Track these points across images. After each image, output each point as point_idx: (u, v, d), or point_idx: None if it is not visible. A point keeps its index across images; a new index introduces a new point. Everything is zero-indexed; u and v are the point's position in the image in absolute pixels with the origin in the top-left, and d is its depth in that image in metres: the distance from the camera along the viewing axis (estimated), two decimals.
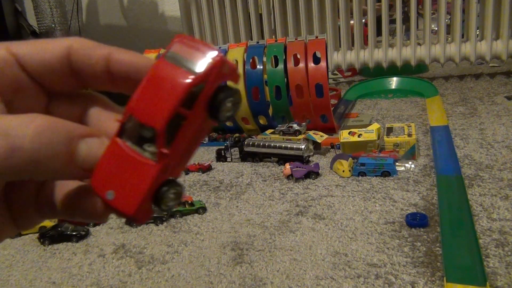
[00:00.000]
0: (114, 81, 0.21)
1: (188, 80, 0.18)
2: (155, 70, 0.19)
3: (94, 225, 0.97)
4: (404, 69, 2.15)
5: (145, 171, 0.19)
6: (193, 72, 0.18)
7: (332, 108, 1.48)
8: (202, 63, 0.18)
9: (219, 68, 0.19)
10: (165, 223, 0.95)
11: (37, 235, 0.94)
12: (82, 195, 0.21)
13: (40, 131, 0.18)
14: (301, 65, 1.42)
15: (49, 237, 0.92)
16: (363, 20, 2.16)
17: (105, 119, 0.22)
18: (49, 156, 0.18)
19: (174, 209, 0.98)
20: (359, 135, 1.22)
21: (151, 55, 1.61)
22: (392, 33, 2.19)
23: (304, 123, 1.36)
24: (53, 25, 2.60)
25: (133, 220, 0.20)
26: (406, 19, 2.30)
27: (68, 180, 0.22)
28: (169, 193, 0.19)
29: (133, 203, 0.19)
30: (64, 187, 0.22)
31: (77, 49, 0.21)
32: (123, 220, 0.98)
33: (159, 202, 0.19)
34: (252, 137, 1.37)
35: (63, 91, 0.23)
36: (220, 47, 1.57)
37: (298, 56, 1.44)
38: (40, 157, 0.18)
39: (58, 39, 0.21)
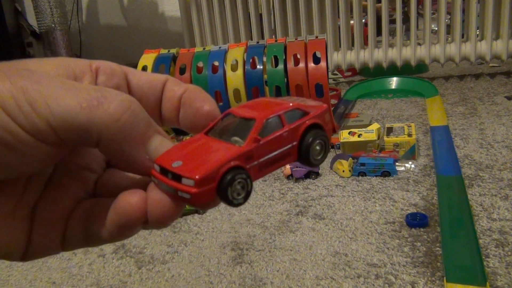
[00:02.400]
0: None
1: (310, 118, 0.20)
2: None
3: None
4: (404, 69, 2.15)
5: (227, 150, 0.18)
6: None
7: (332, 108, 1.48)
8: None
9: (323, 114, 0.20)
10: None
11: None
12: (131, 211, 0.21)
13: (134, 110, 0.20)
14: (301, 65, 1.42)
15: None
16: (363, 20, 2.16)
17: None
18: (128, 136, 0.20)
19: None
20: (359, 135, 1.22)
21: (152, 55, 1.61)
22: (392, 33, 2.19)
23: None
24: (53, 25, 2.60)
25: (194, 197, 0.18)
26: (406, 19, 2.30)
27: (129, 169, 0.22)
28: (238, 177, 0.18)
29: (201, 170, 0.18)
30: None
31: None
32: None
33: (226, 188, 0.18)
34: None
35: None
36: (220, 47, 1.57)
37: (298, 56, 1.44)
38: (127, 129, 0.20)
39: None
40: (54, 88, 0.19)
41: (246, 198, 0.19)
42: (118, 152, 0.20)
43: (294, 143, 0.19)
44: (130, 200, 0.20)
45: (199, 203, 0.18)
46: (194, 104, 0.23)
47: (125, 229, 0.21)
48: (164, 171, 0.20)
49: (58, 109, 0.19)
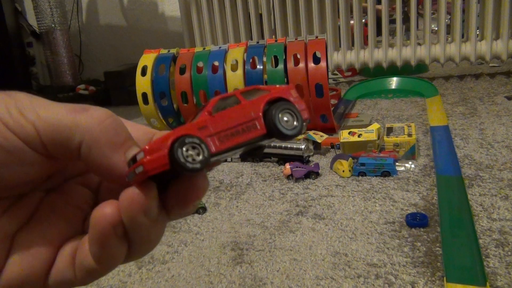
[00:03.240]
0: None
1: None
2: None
3: None
4: (404, 69, 2.15)
5: (181, 128, 0.19)
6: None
7: (332, 108, 1.48)
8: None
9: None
10: None
11: None
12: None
13: (116, 119, 0.22)
14: (301, 65, 1.42)
15: None
16: (363, 20, 2.16)
17: None
18: (109, 140, 0.21)
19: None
20: (359, 135, 1.22)
21: (152, 55, 1.61)
22: (392, 33, 2.19)
23: (304, 123, 1.36)
24: (53, 25, 2.60)
25: (146, 165, 0.19)
26: (406, 19, 2.30)
27: (108, 174, 0.22)
28: (188, 141, 0.19)
29: (152, 143, 0.19)
30: None
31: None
32: None
33: (176, 151, 0.19)
34: None
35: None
36: (220, 47, 1.57)
37: (298, 56, 1.44)
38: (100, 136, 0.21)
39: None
40: (44, 101, 0.21)
41: (203, 163, 0.19)
42: (99, 156, 0.21)
43: (255, 114, 0.19)
44: (104, 211, 0.20)
45: (152, 170, 0.19)
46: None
47: (105, 244, 0.20)
48: (129, 163, 0.20)
49: (45, 114, 0.20)
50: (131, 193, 0.20)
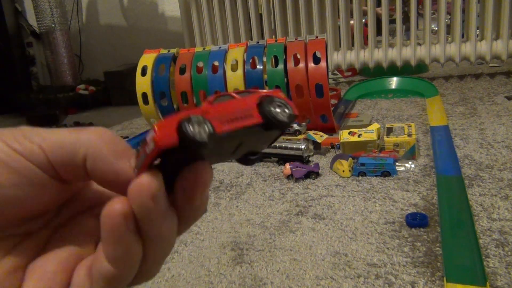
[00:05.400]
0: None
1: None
2: None
3: None
4: (404, 69, 2.15)
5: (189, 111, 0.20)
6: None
7: (332, 108, 1.48)
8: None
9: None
10: None
11: None
12: None
13: (113, 133, 0.23)
14: (301, 65, 1.42)
15: None
16: (363, 20, 2.16)
17: None
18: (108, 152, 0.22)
19: None
20: (359, 135, 1.22)
21: (152, 55, 1.61)
22: (392, 33, 2.19)
23: (304, 123, 1.36)
24: (53, 25, 2.60)
25: (157, 141, 0.20)
26: (406, 19, 2.30)
27: (118, 181, 0.22)
28: (194, 118, 0.20)
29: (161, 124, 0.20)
30: None
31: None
32: None
33: (183, 123, 0.20)
34: None
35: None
36: (220, 47, 1.57)
37: (298, 56, 1.44)
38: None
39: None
40: (47, 129, 0.22)
41: (210, 137, 0.20)
42: (105, 165, 0.22)
43: (250, 106, 0.21)
44: (113, 205, 0.20)
45: (163, 145, 0.19)
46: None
47: (119, 241, 0.21)
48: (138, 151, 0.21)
49: (49, 136, 0.22)
50: (139, 180, 0.20)
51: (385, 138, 1.19)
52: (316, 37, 1.50)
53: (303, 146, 1.20)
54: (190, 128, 0.19)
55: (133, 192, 0.20)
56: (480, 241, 0.74)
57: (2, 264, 0.22)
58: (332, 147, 1.31)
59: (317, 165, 1.13)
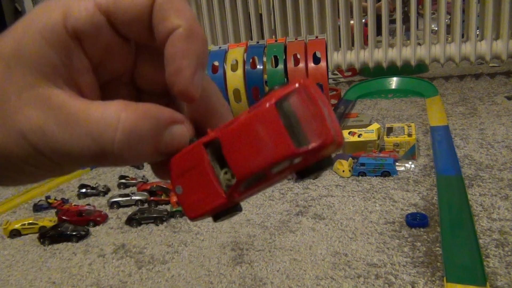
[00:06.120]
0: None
1: (291, 152, 0.17)
2: (263, 116, 0.18)
3: (94, 225, 0.97)
4: (404, 69, 2.15)
5: (214, 196, 0.20)
6: (299, 144, 0.17)
7: (332, 108, 1.48)
8: (312, 137, 0.17)
9: (326, 148, 0.18)
10: (165, 223, 0.95)
11: (37, 235, 0.94)
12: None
13: (128, 133, 0.18)
14: (301, 65, 1.42)
15: (49, 237, 0.92)
16: (363, 20, 2.16)
17: None
18: (136, 155, 0.19)
19: (174, 209, 0.98)
20: (359, 135, 1.22)
21: None
22: (392, 33, 2.19)
23: None
24: None
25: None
26: (406, 19, 2.30)
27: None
28: (227, 216, 0.21)
29: (194, 212, 0.21)
30: None
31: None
32: (123, 220, 0.98)
33: (217, 219, 0.21)
34: None
35: (147, 45, 0.21)
36: (220, 47, 1.57)
37: (298, 56, 1.44)
38: (127, 157, 0.19)
39: None
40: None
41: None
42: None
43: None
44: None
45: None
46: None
47: None
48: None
49: None
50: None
51: (385, 138, 1.19)
52: (316, 37, 1.50)
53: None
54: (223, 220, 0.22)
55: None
56: (480, 241, 0.74)
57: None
58: None
59: None
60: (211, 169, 0.20)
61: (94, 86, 0.20)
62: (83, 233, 0.93)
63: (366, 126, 1.30)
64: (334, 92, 1.88)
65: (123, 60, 0.21)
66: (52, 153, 0.18)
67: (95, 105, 0.18)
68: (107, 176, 1.31)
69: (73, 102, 0.18)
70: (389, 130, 1.24)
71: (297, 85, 0.17)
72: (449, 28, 2.13)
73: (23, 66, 0.18)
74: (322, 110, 0.17)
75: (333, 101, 1.79)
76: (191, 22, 0.19)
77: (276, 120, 0.17)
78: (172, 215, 0.97)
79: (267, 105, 0.17)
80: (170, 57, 0.19)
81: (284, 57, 1.45)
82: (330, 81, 2.31)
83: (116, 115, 0.18)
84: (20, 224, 0.97)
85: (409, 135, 1.17)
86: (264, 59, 1.47)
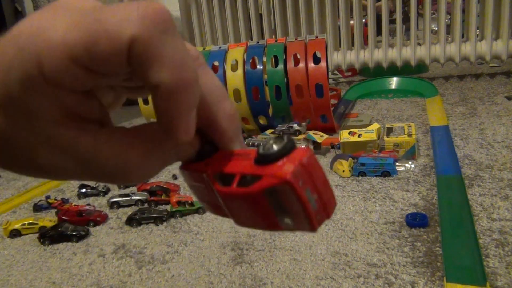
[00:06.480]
0: None
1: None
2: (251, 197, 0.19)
3: (94, 225, 0.97)
4: (404, 69, 2.15)
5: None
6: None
7: (332, 108, 1.48)
8: (297, 224, 0.19)
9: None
10: (165, 223, 0.95)
11: (37, 235, 0.94)
12: None
13: (140, 170, 0.20)
14: (301, 65, 1.42)
15: (49, 237, 0.92)
16: (363, 20, 2.16)
17: None
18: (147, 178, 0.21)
19: (174, 209, 0.98)
20: (359, 135, 1.22)
21: None
22: (392, 33, 2.19)
23: (304, 123, 1.36)
24: None
25: None
26: (406, 19, 2.30)
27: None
28: None
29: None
30: None
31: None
32: (123, 220, 0.98)
33: None
34: (252, 137, 1.37)
35: None
36: (220, 47, 1.57)
37: (298, 56, 1.44)
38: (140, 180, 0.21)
39: None
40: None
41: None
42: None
43: None
44: None
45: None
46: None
47: None
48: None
49: None
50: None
51: (385, 138, 1.19)
52: (316, 37, 1.50)
53: (303, 146, 1.19)
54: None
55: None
56: (480, 241, 0.74)
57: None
58: (332, 147, 1.31)
59: None
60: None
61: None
62: (83, 233, 0.93)
63: (366, 126, 1.30)
64: (334, 92, 1.88)
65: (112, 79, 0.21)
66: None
67: (105, 147, 0.19)
68: None
69: (83, 141, 0.19)
70: (389, 130, 1.24)
71: (288, 176, 0.17)
72: (449, 28, 2.13)
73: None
74: (308, 204, 0.18)
75: (333, 101, 1.79)
76: (174, 71, 0.17)
77: (265, 201, 0.18)
78: (172, 215, 0.97)
79: (260, 190, 0.18)
80: (159, 109, 0.18)
81: (284, 57, 1.45)
82: (330, 81, 2.31)
83: (125, 158, 0.19)
84: (20, 224, 0.97)
85: (409, 135, 1.17)
86: (264, 59, 1.47)
